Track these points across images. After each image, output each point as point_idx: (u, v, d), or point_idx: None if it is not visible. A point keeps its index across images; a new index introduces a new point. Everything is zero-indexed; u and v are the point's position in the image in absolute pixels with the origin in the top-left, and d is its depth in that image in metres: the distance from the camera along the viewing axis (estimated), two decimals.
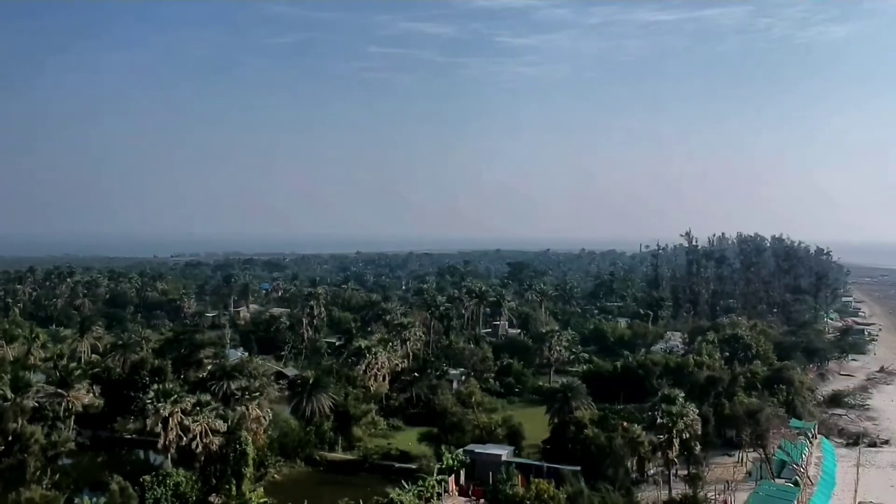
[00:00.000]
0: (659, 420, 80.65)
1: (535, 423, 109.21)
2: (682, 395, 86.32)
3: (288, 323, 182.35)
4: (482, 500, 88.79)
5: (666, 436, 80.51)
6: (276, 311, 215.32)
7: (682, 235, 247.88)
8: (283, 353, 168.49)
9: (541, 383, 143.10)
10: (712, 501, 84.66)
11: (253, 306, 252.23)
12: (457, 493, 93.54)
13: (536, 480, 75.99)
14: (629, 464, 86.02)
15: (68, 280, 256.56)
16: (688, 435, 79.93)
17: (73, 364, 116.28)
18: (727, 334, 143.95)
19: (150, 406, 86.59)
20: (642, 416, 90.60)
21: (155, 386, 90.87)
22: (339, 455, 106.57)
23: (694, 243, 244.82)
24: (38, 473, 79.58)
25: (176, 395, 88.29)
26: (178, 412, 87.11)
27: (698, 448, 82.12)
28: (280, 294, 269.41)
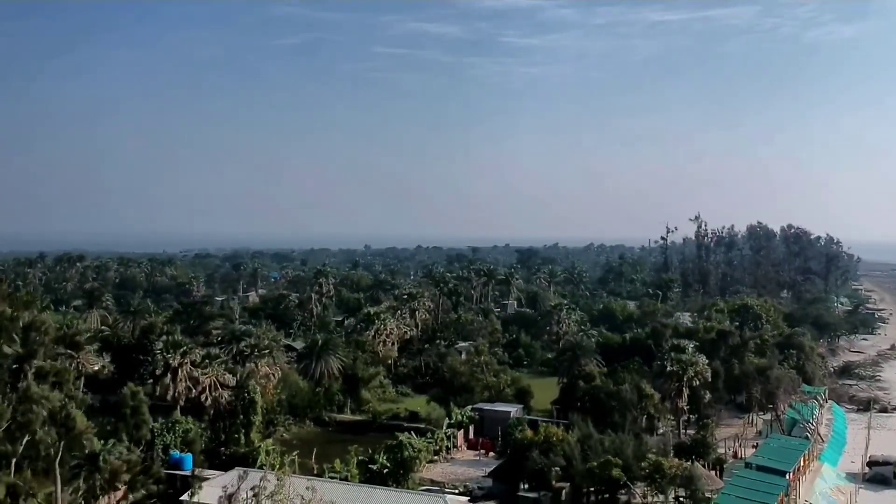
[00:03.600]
0: (669, 368, 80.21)
1: (545, 393, 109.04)
2: (693, 345, 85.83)
3: (297, 301, 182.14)
4: (491, 453, 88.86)
5: (676, 384, 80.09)
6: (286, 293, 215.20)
7: (691, 220, 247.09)
8: (291, 330, 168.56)
9: (549, 355, 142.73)
10: (722, 447, 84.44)
11: (262, 292, 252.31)
12: (466, 448, 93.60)
13: (545, 425, 75.71)
14: (640, 420, 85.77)
15: (78, 265, 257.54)
16: (698, 382, 79.44)
17: (84, 326, 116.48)
18: (736, 304, 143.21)
19: (159, 357, 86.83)
20: (652, 370, 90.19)
21: (164, 337, 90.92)
22: (347, 416, 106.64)
23: (703, 227, 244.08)
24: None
25: (185, 347, 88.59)
26: (187, 363, 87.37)
27: (708, 396, 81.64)
28: (289, 279, 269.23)
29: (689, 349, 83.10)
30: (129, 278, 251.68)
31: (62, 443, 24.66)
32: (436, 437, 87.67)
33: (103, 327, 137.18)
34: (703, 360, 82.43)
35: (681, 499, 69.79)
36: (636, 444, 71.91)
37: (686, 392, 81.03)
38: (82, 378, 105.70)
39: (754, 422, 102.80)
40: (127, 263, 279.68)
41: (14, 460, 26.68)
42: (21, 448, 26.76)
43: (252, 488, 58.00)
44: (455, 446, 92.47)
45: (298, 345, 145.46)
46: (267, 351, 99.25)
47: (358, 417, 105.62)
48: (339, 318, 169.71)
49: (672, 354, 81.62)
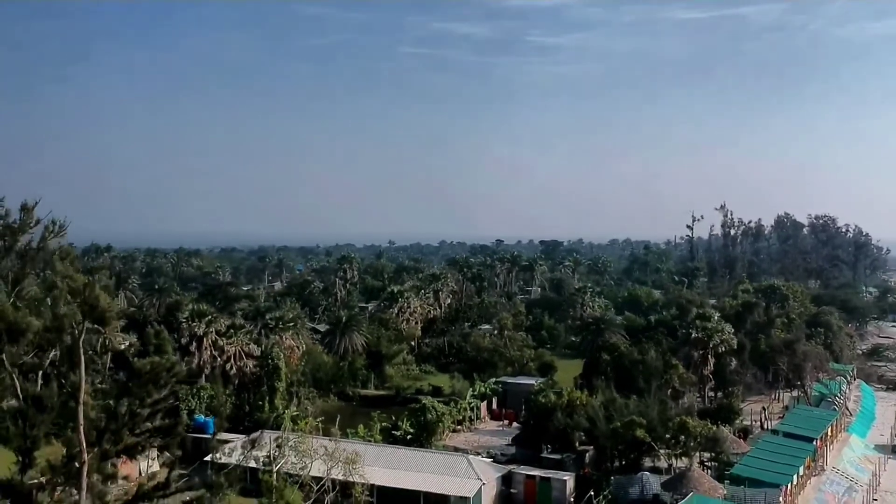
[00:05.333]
0: (694, 335, 79.50)
1: (568, 374, 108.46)
2: (718, 314, 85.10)
3: (321, 286, 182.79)
4: (515, 424, 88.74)
5: (701, 351, 79.40)
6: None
7: (717, 209, 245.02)
8: (316, 315, 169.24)
9: (574, 338, 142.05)
10: (748, 420, 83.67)
11: (287, 284, 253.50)
12: (489, 419, 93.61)
13: (569, 389, 75.41)
14: (665, 390, 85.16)
15: (105, 255, 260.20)
16: (724, 349, 78.68)
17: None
18: (763, 285, 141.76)
19: (184, 326, 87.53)
20: (677, 340, 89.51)
21: (190, 306, 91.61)
22: (371, 391, 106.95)
23: (729, 216, 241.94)
24: None
25: (210, 316, 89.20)
26: (212, 332, 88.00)
27: (734, 363, 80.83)
28: (314, 269, 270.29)
29: (715, 318, 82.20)
30: (155, 268, 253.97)
31: (85, 322, 24.91)
32: (459, 406, 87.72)
33: (130, 308, 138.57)
34: (728, 327, 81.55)
35: (706, 463, 69.35)
36: (661, 407, 71.49)
37: (711, 361, 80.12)
38: (109, 354, 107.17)
39: (780, 397, 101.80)
40: (153, 254, 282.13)
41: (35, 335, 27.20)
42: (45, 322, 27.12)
43: (275, 438, 58.52)
44: (478, 417, 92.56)
45: (323, 328, 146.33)
46: (291, 324, 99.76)
47: (381, 392, 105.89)
48: (364, 306, 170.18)
49: (697, 322, 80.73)
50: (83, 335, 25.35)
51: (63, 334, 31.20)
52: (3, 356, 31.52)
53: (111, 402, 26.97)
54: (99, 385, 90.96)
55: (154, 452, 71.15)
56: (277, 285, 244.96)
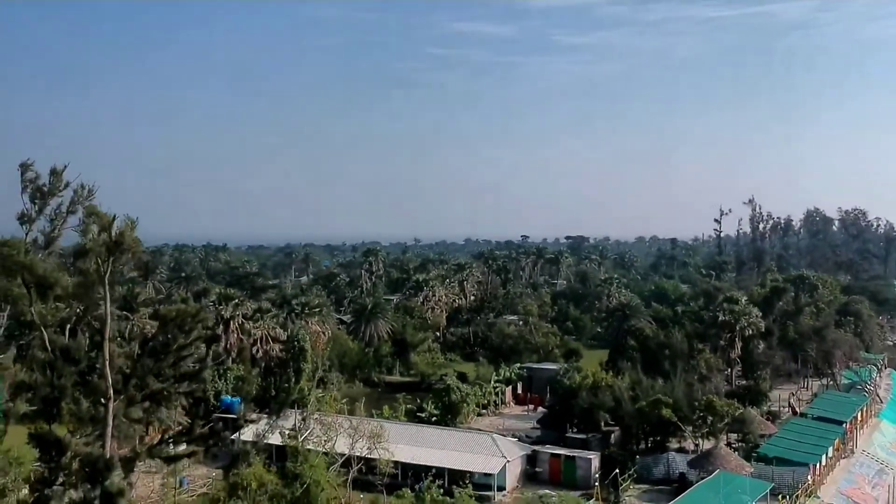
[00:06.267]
0: (721, 318, 78.68)
1: (594, 362, 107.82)
2: (745, 298, 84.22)
3: (347, 279, 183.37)
4: (540, 408, 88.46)
5: (728, 334, 78.62)
6: None
7: (745, 203, 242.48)
8: (342, 307, 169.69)
9: (599, 329, 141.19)
10: (776, 406, 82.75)
11: (313, 277, 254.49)
12: (514, 403, 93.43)
13: (594, 371, 75.03)
14: (691, 374, 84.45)
15: None
16: (751, 332, 77.82)
17: (138, 290, 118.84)
18: (791, 275, 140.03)
19: (211, 309, 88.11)
20: (704, 323, 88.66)
21: (217, 289, 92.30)
22: (396, 377, 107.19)
23: (758, 210, 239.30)
24: None
25: (237, 300, 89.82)
26: (238, 316, 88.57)
27: (762, 346, 79.93)
28: (340, 263, 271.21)
29: (742, 301, 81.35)
30: (183, 262, 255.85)
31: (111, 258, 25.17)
32: (484, 390, 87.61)
33: (158, 296, 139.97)
34: (755, 311, 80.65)
35: (733, 445, 68.66)
36: (687, 389, 70.90)
37: (739, 345, 79.31)
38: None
39: (809, 385, 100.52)
40: (181, 250, 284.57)
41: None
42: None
43: (300, 412, 58.86)
44: (503, 402, 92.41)
45: (349, 319, 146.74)
46: (317, 310, 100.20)
47: (407, 379, 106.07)
48: (390, 298, 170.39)
49: (724, 305, 79.90)
50: (109, 269, 25.62)
51: (90, 291, 31.62)
52: (33, 309, 32.00)
53: (137, 350, 27.27)
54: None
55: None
56: (304, 280, 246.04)
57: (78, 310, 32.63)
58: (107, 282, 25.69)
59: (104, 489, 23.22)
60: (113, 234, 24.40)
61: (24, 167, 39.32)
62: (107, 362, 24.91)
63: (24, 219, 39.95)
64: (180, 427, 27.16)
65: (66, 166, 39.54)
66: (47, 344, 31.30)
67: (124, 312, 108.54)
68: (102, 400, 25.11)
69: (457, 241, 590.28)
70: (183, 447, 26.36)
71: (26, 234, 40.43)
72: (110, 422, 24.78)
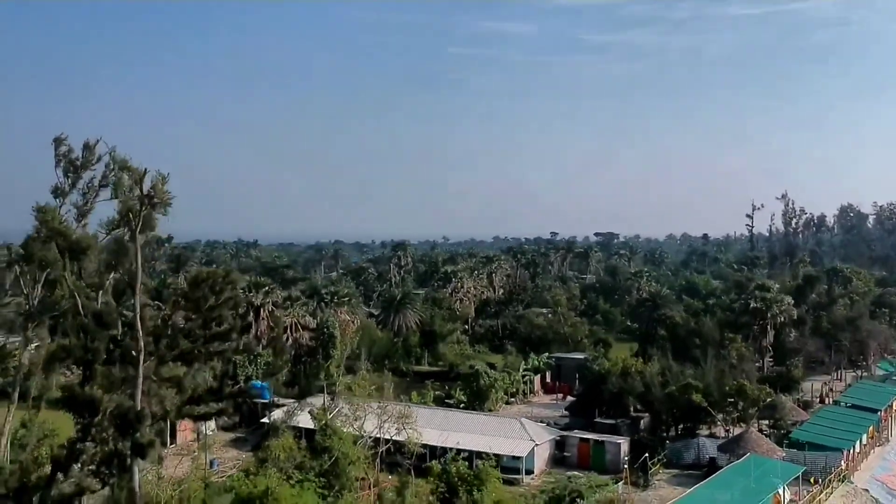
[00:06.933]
0: (753, 305, 77.76)
1: (624, 353, 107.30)
2: (777, 286, 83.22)
3: (376, 273, 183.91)
4: (569, 397, 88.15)
5: (760, 322, 77.72)
6: None
7: (778, 198, 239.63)
8: (371, 301, 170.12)
9: (629, 322, 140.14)
10: (808, 396, 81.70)
11: (342, 272, 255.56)
12: (542, 392, 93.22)
13: (623, 355, 74.59)
14: (721, 362, 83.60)
15: (166, 245, 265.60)
16: (783, 319, 76.85)
17: (171, 281, 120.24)
18: (825, 268, 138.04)
19: (242, 296, 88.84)
20: (735, 315, 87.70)
21: (247, 277, 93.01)
22: (425, 367, 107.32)
23: (791, 205, 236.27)
24: None
25: (268, 287, 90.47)
26: (269, 303, 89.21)
27: (793, 334, 78.92)
28: (368, 259, 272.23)
29: (774, 288, 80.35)
30: (215, 258, 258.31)
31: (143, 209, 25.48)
32: (512, 378, 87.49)
33: None
34: (788, 298, 79.65)
35: (764, 431, 67.90)
36: (718, 374, 70.19)
37: (770, 332, 78.36)
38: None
39: (843, 377, 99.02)
40: (213, 246, 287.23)
41: None
42: None
43: (328, 392, 59.22)
44: (532, 391, 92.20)
45: (378, 312, 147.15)
46: (346, 298, 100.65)
47: (435, 368, 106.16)
48: (419, 292, 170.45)
49: (756, 293, 78.95)
50: (141, 220, 25.96)
51: (123, 258, 32.04)
52: (66, 274, 32.48)
53: (168, 310, 27.59)
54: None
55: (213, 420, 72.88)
56: (333, 275, 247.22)
57: (110, 275, 33.08)
58: (138, 235, 26.05)
59: (135, 441, 23.53)
60: (145, 187, 24.76)
61: (58, 141, 39.85)
62: (138, 316, 25.28)
63: (57, 192, 40.45)
64: (209, 386, 27.43)
65: (98, 140, 39.93)
66: (80, 309, 31.76)
67: (156, 303, 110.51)
68: (133, 353, 25.44)
69: (485, 240, 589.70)
70: (213, 405, 26.62)
71: (59, 208, 40.95)
72: (141, 374, 25.10)
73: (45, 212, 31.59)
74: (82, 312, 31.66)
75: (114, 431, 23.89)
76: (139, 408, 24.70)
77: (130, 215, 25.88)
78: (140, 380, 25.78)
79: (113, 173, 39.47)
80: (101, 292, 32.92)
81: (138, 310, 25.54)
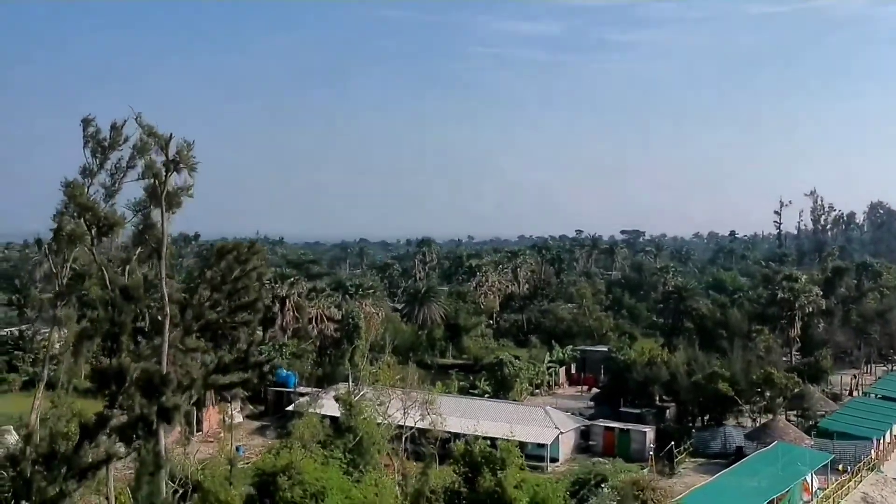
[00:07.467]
0: (780, 295, 76.94)
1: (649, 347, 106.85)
2: (805, 276, 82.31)
3: (400, 269, 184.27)
4: (594, 389, 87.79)
5: (787, 312, 76.89)
6: None
7: (807, 195, 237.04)
8: (396, 296, 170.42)
9: (655, 318, 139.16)
10: (837, 388, 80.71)
11: (367, 268, 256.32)
12: (567, 385, 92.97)
13: (649, 345, 74.18)
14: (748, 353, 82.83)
15: (193, 242, 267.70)
16: (811, 309, 75.95)
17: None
18: (854, 262, 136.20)
19: (267, 287, 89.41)
20: (762, 306, 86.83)
21: (272, 269, 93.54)
22: (449, 360, 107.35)
23: (820, 202, 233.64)
24: None
25: (293, 279, 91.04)
26: (294, 294, 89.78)
27: (822, 325, 77.98)
28: (393, 256, 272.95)
29: (802, 279, 79.47)
30: None
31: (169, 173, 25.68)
32: (537, 369, 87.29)
33: None
34: (816, 289, 78.70)
35: (791, 422, 67.21)
36: (745, 364, 69.54)
37: (798, 323, 77.51)
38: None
39: (873, 371, 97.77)
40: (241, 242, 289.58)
41: None
42: None
43: (353, 381, 59.35)
44: (557, 383, 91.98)
45: (402, 307, 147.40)
46: (371, 290, 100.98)
47: (460, 361, 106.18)
48: (443, 288, 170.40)
49: (784, 283, 78.11)
50: (166, 183, 26.19)
51: (151, 233, 32.35)
52: (94, 249, 32.83)
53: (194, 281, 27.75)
54: None
55: (237, 405, 73.21)
56: (358, 272, 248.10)
57: (137, 250, 33.43)
58: (164, 201, 26.29)
59: (160, 405, 23.77)
60: (170, 152, 24.99)
61: (86, 122, 40.21)
62: (163, 281, 25.53)
63: (85, 173, 40.83)
64: (234, 356, 27.58)
65: (125, 121, 40.27)
66: (107, 283, 32.09)
67: (184, 296, 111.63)
68: (159, 318, 25.71)
69: (510, 239, 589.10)
70: (236, 375, 26.76)
71: (87, 189, 41.34)
72: (166, 338, 25.35)
73: (73, 187, 31.97)
74: (109, 287, 32.00)
75: (140, 397, 24.14)
76: (164, 371, 24.94)
77: (156, 181, 26.18)
78: (165, 346, 26.04)
79: (139, 154, 39.86)
80: (127, 267, 33.26)
81: (163, 274, 25.79)
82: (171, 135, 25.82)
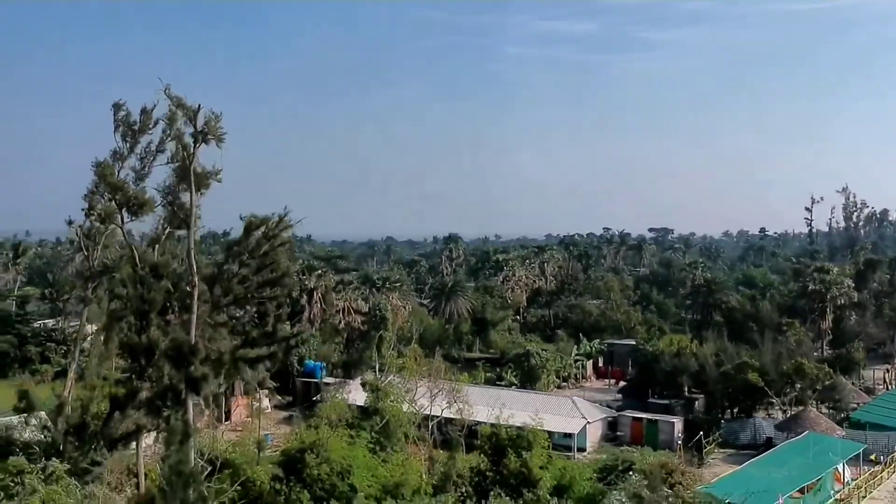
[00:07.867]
0: (811, 287, 75.95)
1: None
2: (837, 268, 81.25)
3: (427, 266, 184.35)
4: (621, 382, 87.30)
5: (819, 304, 75.91)
6: None
7: (839, 192, 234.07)
8: (422, 293, 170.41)
9: (683, 314, 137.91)
10: (870, 381, 79.59)
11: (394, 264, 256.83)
12: (595, 378, 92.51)
13: (678, 337, 73.61)
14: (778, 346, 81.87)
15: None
16: (843, 301, 74.90)
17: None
18: (886, 257, 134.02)
19: (295, 279, 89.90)
20: (793, 298, 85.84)
21: (300, 261, 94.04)
22: (476, 354, 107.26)
23: (852, 199, 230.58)
24: None
25: (320, 271, 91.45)
26: (322, 286, 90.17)
27: (853, 318, 76.88)
28: (420, 253, 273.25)
29: (834, 271, 78.42)
30: None
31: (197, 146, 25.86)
32: (564, 363, 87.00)
33: None
34: (848, 281, 77.59)
35: (823, 413, 66.34)
36: (775, 356, 68.75)
37: (830, 315, 76.48)
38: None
39: None
40: None
41: None
42: None
43: (380, 366, 59.46)
44: (584, 376, 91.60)
45: (429, 303, 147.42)
46: (398, 284, 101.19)
47: (486, 355, 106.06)
48: (471, 285, 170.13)
49: (815, 275, 77.11)
50: (194, 157, 26.44)
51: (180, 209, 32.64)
52: (123, 229, 33.20)
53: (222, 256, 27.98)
54: None
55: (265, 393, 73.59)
56: (385, 268, 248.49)
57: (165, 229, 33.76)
58: (192, 173, 26.54)
59: (189, 374, 23.99)
60: (199, 123, 25.24)
61: (117, 107, 40.71)
62: (191, 251, 25.77)
63: (116, 156, 41.35)
64: (262, 331, 27.80)
65: (155, 105, 40.70)
66: (137, 260, 32.44)
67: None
68: (189, 289, 25.93)
69: (537, 238, 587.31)
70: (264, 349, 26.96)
71: (118, 172, 41.84)
72: (195, 309, 25.58)
73: (103, 167, 32.36)
74: (139, 265, 32.35)
75: (169, 368, 24.39)
76: (193, 341, 25.19)
77: (185, 153, 26.46)
78: (194, 317, 26.29)
79: (169, 138, 40.24)
80: (157, 246, 33.61)
81: (192, 246, 26.05)
82: (199, 105, 26.10)
